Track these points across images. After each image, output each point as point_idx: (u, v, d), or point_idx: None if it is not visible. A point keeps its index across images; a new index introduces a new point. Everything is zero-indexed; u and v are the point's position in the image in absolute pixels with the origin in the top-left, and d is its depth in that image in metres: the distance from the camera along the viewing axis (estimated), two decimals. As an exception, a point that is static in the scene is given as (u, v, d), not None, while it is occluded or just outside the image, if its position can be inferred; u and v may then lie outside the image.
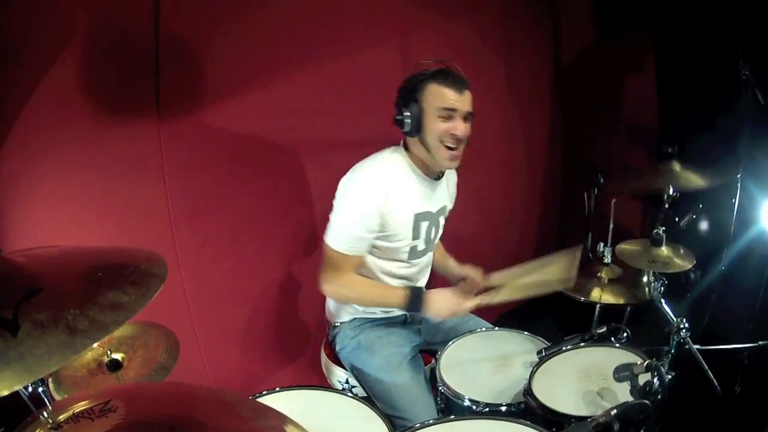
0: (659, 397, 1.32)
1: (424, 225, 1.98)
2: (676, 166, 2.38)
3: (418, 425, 1.46)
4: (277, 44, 2.34)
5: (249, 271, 2.54)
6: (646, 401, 1.24)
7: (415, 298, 1.88)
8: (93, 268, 0.96)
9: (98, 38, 1.97)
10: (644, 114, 3.19)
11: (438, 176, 2.02)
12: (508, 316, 3.29)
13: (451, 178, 2.18)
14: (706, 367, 1.92)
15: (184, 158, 2.24)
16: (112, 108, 2.05)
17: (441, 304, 1.87)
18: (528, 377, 1.61)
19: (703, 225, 2.81)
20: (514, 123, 3.32)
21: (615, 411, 1.15)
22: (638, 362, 1.33)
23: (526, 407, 1.54)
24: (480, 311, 2.15)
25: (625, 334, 1.88)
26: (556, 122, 3.55)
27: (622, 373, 1.34)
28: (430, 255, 2.15)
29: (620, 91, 3.26)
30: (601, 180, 2.59)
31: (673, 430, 2.05)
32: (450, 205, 2.19)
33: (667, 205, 2.43)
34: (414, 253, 2.01)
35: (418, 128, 1.84)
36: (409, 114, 1.83)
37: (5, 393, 0.69)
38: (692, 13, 2.90)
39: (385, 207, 1.84)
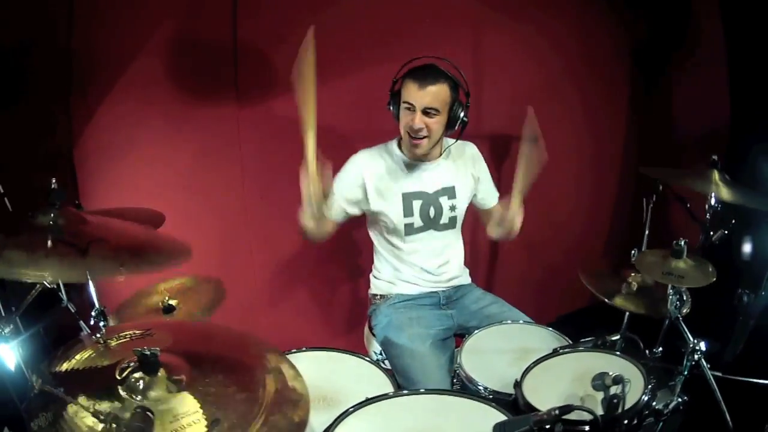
0: (623, 411, 1.32)
1: (417, 203, 2.15)
2: (716, 176, 2.23)
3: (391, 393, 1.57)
4: (346, 40, 2.50)
5: (311, 245, 2.73)
6: (590, 410, 1.23)
7: None
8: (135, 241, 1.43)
9: (183, 33, 2.26)
10: (717, 130, 3.05)
11: (430, 158, 2.16)
12: (565, 320, 3.30)
13: (466, 160, 2.26)
14: (720, 398, 1.84)
15: (259, 140, 2.49)
16: (195, 93, 2.34)
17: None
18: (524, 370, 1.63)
19: (746, 245, 2.65)
20: (587, 129, 3.31)
21: (557, 411, 1.13)
22: (609, 373, 1.33)
23: (515, 397, 1.57)
24: (536, 310, 2.25)
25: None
26: (631, 131, 3.48)
27: (597, 381, 1.35)
28: (434, 235, 2.21)
29: (696, 104, 3.15)
30: (660, 188, 2.53)
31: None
32: (467, 187, 2.25)
33: (708, 216, 2.31)
34: (410, 229, 2.18)
35: (397, 118, 2.08)
36: (390, 106, 2.08)
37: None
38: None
39: (368, 182, 2.12)
